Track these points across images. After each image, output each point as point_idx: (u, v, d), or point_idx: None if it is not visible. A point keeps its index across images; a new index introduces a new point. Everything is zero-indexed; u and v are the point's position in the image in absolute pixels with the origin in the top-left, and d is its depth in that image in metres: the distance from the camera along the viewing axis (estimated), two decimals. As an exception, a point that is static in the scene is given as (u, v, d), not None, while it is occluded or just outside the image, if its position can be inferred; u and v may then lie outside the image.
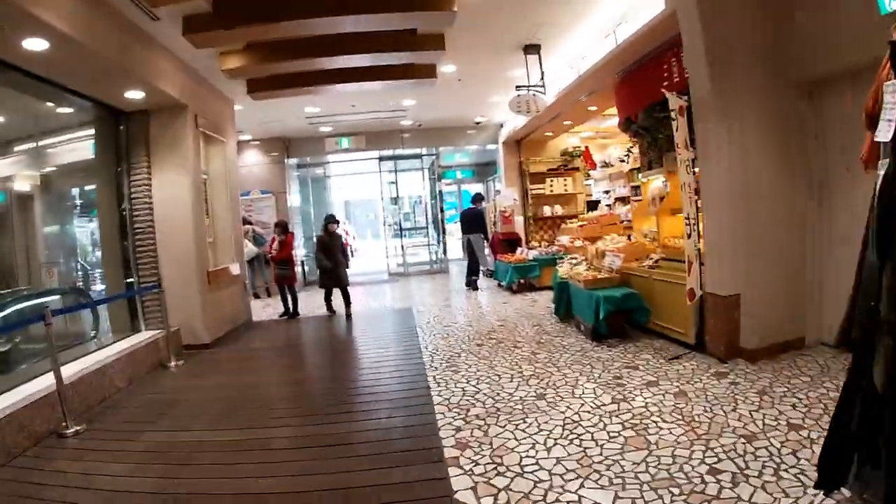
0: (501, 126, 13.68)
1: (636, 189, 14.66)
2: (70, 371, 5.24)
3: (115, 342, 6.55)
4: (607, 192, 15.84)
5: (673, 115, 5.37)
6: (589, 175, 13.97)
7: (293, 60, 6.90)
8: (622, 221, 11.77)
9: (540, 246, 11.15)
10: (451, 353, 6.21)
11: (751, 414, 3.93)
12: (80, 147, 7.42)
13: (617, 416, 4.11)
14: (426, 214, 16.67)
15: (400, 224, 15.80)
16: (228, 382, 5.94)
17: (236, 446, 4.16)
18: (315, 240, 9.36)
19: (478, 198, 11.88)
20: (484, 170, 18.26)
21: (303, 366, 6.80)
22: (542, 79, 7.98)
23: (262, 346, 7.76)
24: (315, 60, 6.95)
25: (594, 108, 10.28)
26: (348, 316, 9.02)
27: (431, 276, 14.46)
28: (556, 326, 7.22)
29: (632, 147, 8.41)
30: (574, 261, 8.62)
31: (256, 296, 12.35)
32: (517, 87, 7.91)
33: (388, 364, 6.09)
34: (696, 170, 5.51)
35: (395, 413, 4.58)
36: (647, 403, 4.33)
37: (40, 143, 7.21)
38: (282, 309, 9.65)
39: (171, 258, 7.32)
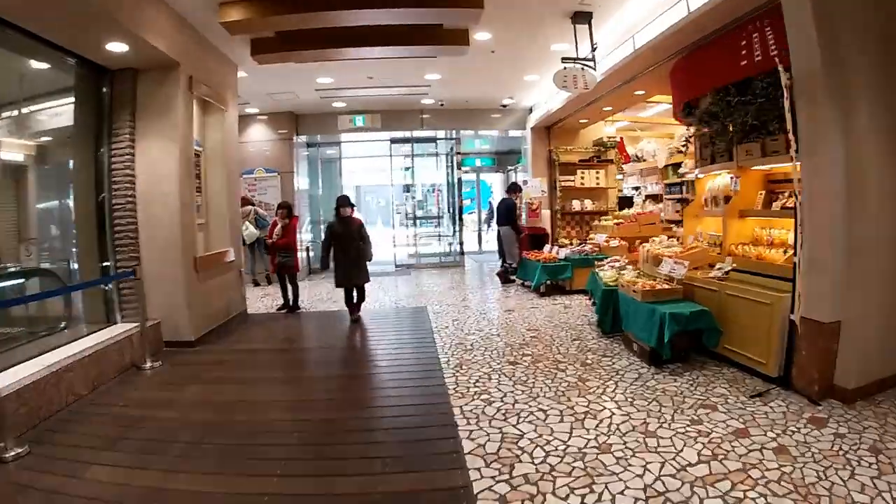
0: (531, 111, 12.54)
1: (672, 187, 13.58)
2: (18, 375, 4.30)
3: (80, 338, 5.53)
4: (637, 188, 14.77)
5: (785, 92, 4.25)
6: (622, 169, 12.85)
7: (304, 13, 5.82)
8: (662, 221, 10.72)
9: (570, 244, 10.04)
10: (480, 374, 5.14)
11: (873, 483, 3.04)
12: (60, 111, 6.39)
13: (713, 486, 3.05)
14: (442, 203, 15.58)
15: (414, 212, 14.71)
16: (208, 398, 4.87)
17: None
18: (325, 228, 7.77)
19: (513, 188, 10.81)
20: (505, 159, 17.15)
21: (298, 381, 5.60)
22: (594, 51, 6.86)
23: (253, 348, 6.70)
24: (329, 14, 5.86)
25: (641, 93, 9.15)
26: (355, 320, 7.69)
27: (445, 269, 13.38)
28: (600, 342, 6.13)
29: (691, 137, 7.29)
30: (616, 264, 7.55)
31: (256, 283, 11.34)
32: (563, 59, 6.79)
33: (402, 384, 5.05)
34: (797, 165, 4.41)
35: (416, 463, 3.50)
36: (744, 464, 3.29)
37: (16, 106, 6.25)
38: (281, 301, 8.62)
39: (153, 241, 6.30)
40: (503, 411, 4.22)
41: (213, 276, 7.22)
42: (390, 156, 13.95)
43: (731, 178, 6.18)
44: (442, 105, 11.79)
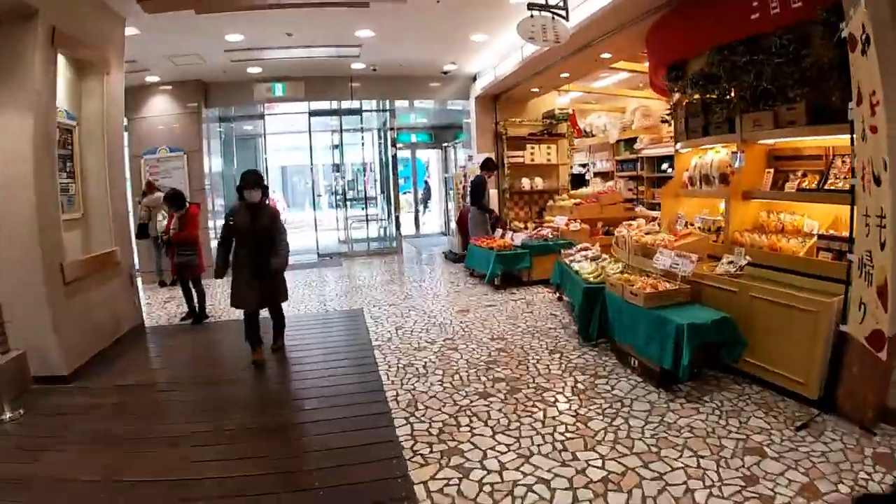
0: (474, 79, 11.21)
1: (625, 164, 12.72)
2: None
3: None
4: (584, 165, 13.84)
5: (861, 44, 3.10)
6: (573, 144, 11.78)
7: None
8: (627, 201, 9.78)
9: (525, 227, 8.87)
10: (443, 417, 3.84)
11: None
12: None
13: None
14: (376, 182, 14.14)
15: (344, 192, 13.17)
16: (72, 472, 3.35)
17: None
18: (226, 220, 5.31)
19: (487, 164, 9.30)
20: (442, 134, 15.79)
21: (191, 441, 3.68)
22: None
23: (142, 381, 5.04)
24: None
25: (607, 56, 8.02)
26: (276, 348, 5.55)
27: (381, 256, 11.99)
28: (585, 355, 4.98)
29: (676, 104, 6.23)
30: (588, 253, 6.45)
31: (162, 283, 9.60)
32: (530, 5, 5.50)
33: (338, 441, 3.60)
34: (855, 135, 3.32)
35: None
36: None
37: None
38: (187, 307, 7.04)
39: (-2, 245, 4.66)
40: (489, 490, 2.94)
41: (93, 285, 5.61)
42: (309, 132, 12.25)
43: (735, 153, 5.13)
44: (374, 70, 10.26)
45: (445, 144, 15.63)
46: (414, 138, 15.82)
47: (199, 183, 10.31)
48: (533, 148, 10.97)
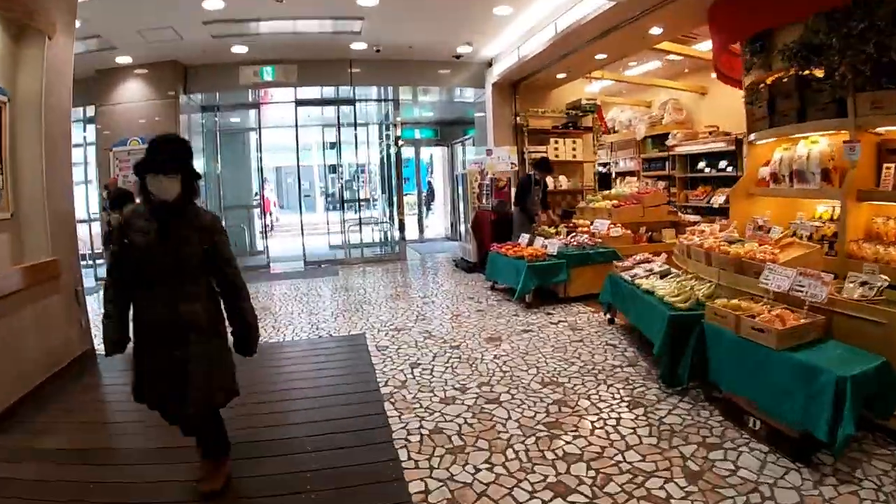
0: (490, 65, 9.92)
1: (652, 163, 11.50)
2: None
3: None
4: (605, 164, 12.57)
5: None
6: (599, 140, 10.52)
7: None
8: (669, 203, 8.54)
9: (557, 233, 7.55)
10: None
11: None
12: None
13: None
14: (376, 182, 12.81)
15: (340, 193, 11.81)
16: None
17: None
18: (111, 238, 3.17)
19: (541, 164, 8.16)
20: (449, 131, 14.48)
21: None
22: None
23: (81, 439, 3.61)
24: None
25: (657, 32, 6.79)
26: (207, 490, 2.80)
27: (382, 264, 10.65)
28: (678, 409, 3.65)
29: (752, 86, 4.98)
30: (653, 266, 5.21)
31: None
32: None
33: None
34: None
35: None
36: None
37: None
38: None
39: None
40: None
41: (23, 304, 4.30)
42: (295, 126, 10.87)
43: (849, 142, 3.89)
44: (378, 51, 8.92)
45: (454, 142, 14.34)
46: (418, 134, 14.47)
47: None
48: (557, 142, 9.66)
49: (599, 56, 7.98)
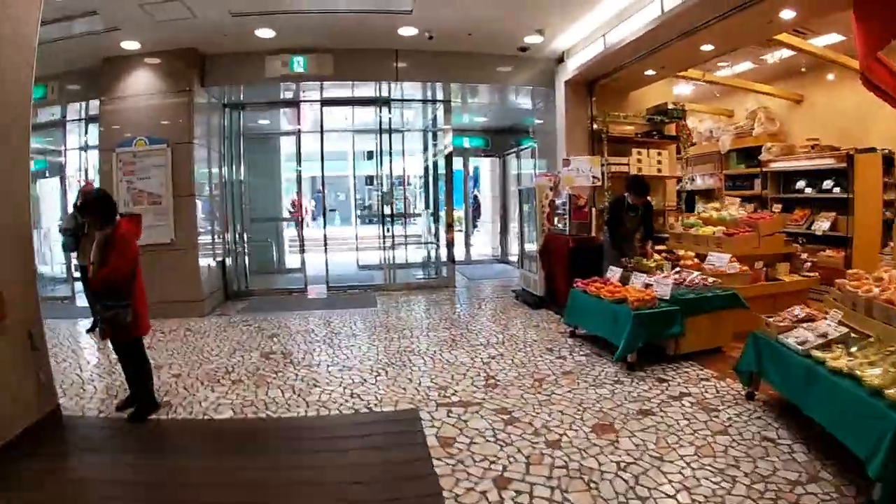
0: (562, 60, 8.32)
1: (738, 181, 9.89)
2: None
3: None
4: (679, 179, 10.87)
5: None
6: (685, 151, 8.87)
7: None
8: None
9: (660, 270, 5.88)
10: None
11: None
12: None
13: None
14: (418, 195, 11.31)
15: (380, 207, 10.27)
16: None
17: None
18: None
19: (637, 186, 6.33)
20: (501, 140, 12.90)
21: None
22: None
23: None
24: None
25: (789, 16, 5.24)
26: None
27: (427, 292, 9.09)
28: None
29: None
30: (819, 329, 3.56)
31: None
32: None
33: None
34: None
35: None
36: None
37: None
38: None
39: None
40: None
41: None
42: (321, 131, 9.41)
43: None
44: (431, 38, 7.35)
45: (506, 152, 12.79)
46: (466, 143, 12.91)
47: (185, 188, 7.58)
48: (640, 153, 8.00)
49: (705, 47, 6.35)
